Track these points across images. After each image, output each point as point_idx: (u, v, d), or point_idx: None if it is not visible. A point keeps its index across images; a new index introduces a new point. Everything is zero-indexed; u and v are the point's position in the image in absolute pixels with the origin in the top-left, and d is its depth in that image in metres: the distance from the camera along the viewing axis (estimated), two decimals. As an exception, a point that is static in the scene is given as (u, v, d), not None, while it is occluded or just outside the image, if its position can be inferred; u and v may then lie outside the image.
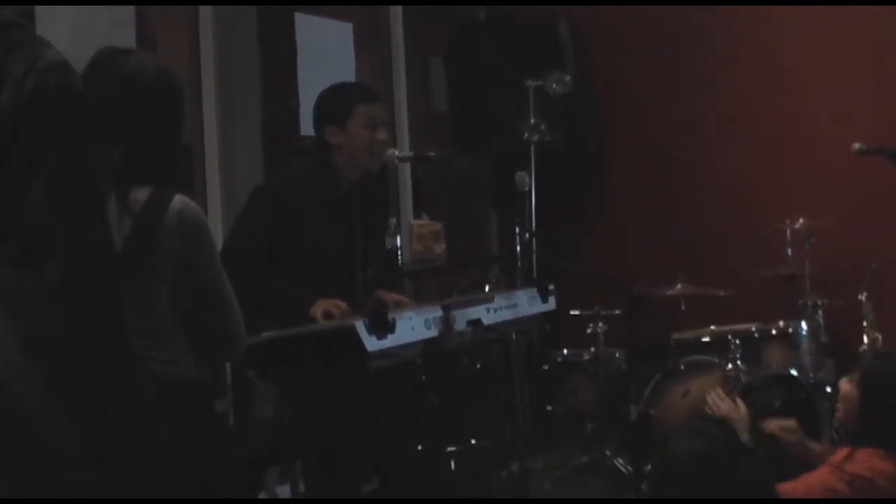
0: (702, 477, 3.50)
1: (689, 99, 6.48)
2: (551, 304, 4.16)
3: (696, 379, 5.04)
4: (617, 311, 5.56)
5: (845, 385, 3.72)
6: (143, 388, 1.65)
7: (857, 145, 4.50)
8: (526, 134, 5.15)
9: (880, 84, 5.92)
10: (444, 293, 5.52)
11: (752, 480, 3.50)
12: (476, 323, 3.73)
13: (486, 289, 5.21)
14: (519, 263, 4.87)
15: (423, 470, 4.46)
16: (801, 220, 5.44)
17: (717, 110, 6.40)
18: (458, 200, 6.64)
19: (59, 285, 1.46)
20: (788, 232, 5.49)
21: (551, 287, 4.16)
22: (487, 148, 6.53)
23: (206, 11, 5.35)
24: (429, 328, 3.50)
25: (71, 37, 4.16)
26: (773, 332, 5.31)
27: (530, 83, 5.28)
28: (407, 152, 5.57)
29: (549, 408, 5.70)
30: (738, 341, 5.06)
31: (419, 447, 4.43)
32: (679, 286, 5.45)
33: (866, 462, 3.49)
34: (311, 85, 5.03)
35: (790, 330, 5.28)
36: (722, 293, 5.46)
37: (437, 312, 3.55)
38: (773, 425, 3.97)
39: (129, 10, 4.74)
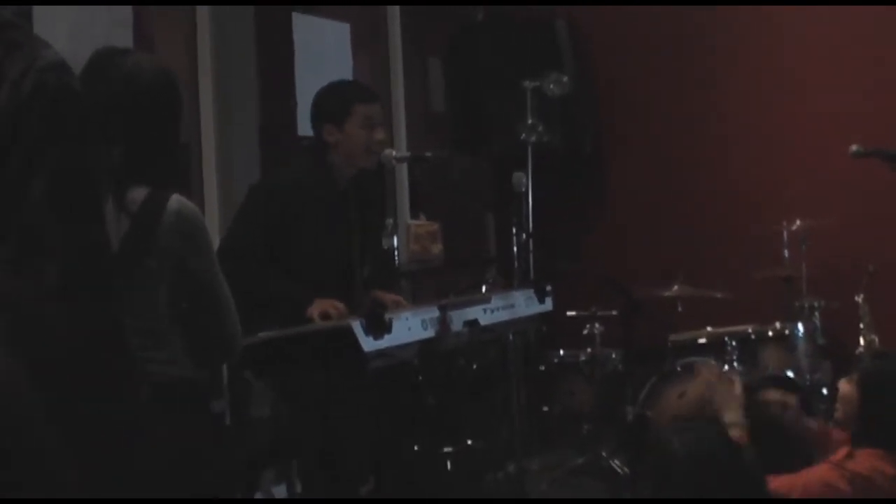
0: (696, 475, 3.48)
1: (689, 99, 6.48)
2: (548, 304, 4.17)
3: (693, 381, 5.04)
4: (614, 313, 5.57)
5: (844, 385, 3.71)
6: (141, 388, 1.66)
7: (853, 147, 4.49)
8: (524, 135, 5.15)
9: (880, 84, 5.92)
10: (440, 294, 5.53)
11: (746, 477, 3.48)
12: (473, 323, 3.73)
13: (483, 289, 5.20)
14: (516, 264, 4.87)
15: (419, 470, 4.46)
16: (797, 222, 5.44)
17: (716, 110, 6.40)
18: (455, 201, 6.64)
19: (58, 285, 1.46)
20: (785, 233, 5.49)
21: (548, 288, 4.16)
22: (486, 148, 6.52)
23: (203, 11, 5.34)
24: (426, 329, 3.51)
25: (69, 37, 4.15)
26: (770, 333, 5.31)
27: (528, 84, 5.28)
28: (404, 152, 5.56)
29: (545, 409, 5.69)
30: (734, 343, 5.06)
31: (416, 447, 4.43)
32: (676, 287, 5.45)
33: (866, 462, 3.48)
34: (308, 85, 5.02)
35: (787, 332, 5.29)
36: (719, 295, 5.46)
37: (434, 313, 3.55)
38: (773, 393, 3.94)
39: (126, 11, 4.74)
